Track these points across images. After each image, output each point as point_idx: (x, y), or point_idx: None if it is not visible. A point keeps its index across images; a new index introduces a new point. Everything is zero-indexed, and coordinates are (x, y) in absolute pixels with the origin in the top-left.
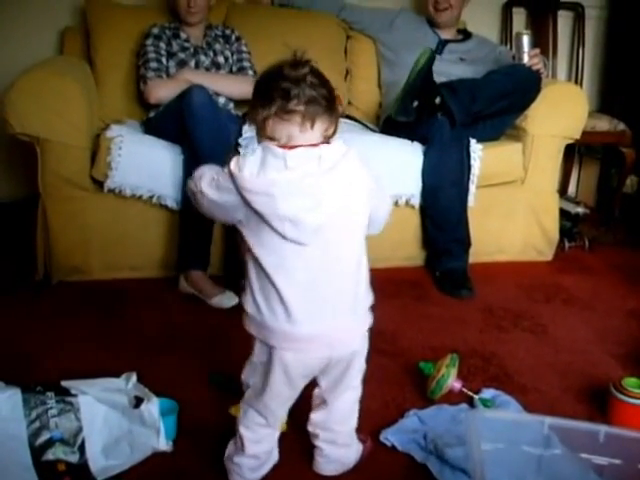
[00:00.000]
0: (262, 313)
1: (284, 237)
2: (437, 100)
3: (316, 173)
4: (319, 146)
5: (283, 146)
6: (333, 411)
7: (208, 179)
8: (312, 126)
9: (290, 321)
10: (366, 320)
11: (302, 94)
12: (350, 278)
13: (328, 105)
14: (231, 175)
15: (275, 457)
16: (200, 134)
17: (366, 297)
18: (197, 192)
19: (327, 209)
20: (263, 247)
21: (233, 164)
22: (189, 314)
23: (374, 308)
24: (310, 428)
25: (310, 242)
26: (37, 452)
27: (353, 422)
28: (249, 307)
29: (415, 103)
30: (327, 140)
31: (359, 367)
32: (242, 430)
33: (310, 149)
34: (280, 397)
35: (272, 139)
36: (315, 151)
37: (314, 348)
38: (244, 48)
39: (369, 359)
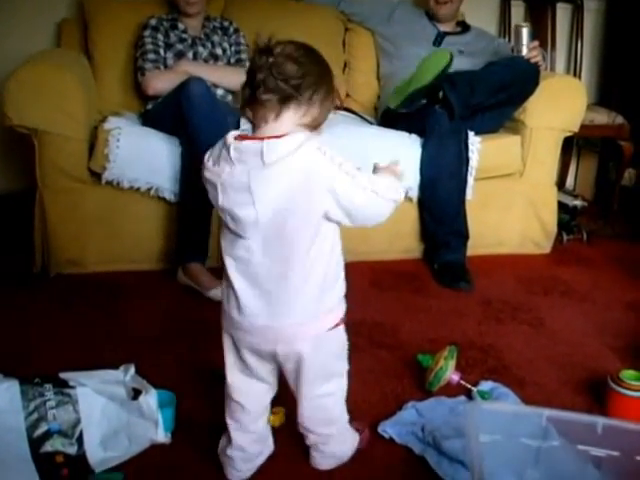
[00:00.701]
0: (226, 302)
1: (228, 228)
2: (440, 94)
3: (256, 168)
4: (266, 140)
5: (242, 137)
6: (307, 414)
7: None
8: (277, 116)
9: (240, 312)
10: (318, 323)
11: (265, 83)
12: (296, 277)
13: (298, 93)
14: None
15: (270, 447)
16: (198, 126)
17: (319, 300)
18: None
19: (262, 206)
20: (223, 236)
21: (208, 153)
22: (187, 306)
23: (372, 301)
24: (300, 429)
25: (250, 236)
26: (35, 444)
27: (339, 424)
28: (222, 296)
29: (424, 101)
30: (309, 128)
31: (316, 375)
32: (227, 420)
33: (255, 142)
34: (241, 378)
35: (252, 124)
36: (257, 145)
37: (257, 341)
38: (242, 40)
39: (368, 352)
